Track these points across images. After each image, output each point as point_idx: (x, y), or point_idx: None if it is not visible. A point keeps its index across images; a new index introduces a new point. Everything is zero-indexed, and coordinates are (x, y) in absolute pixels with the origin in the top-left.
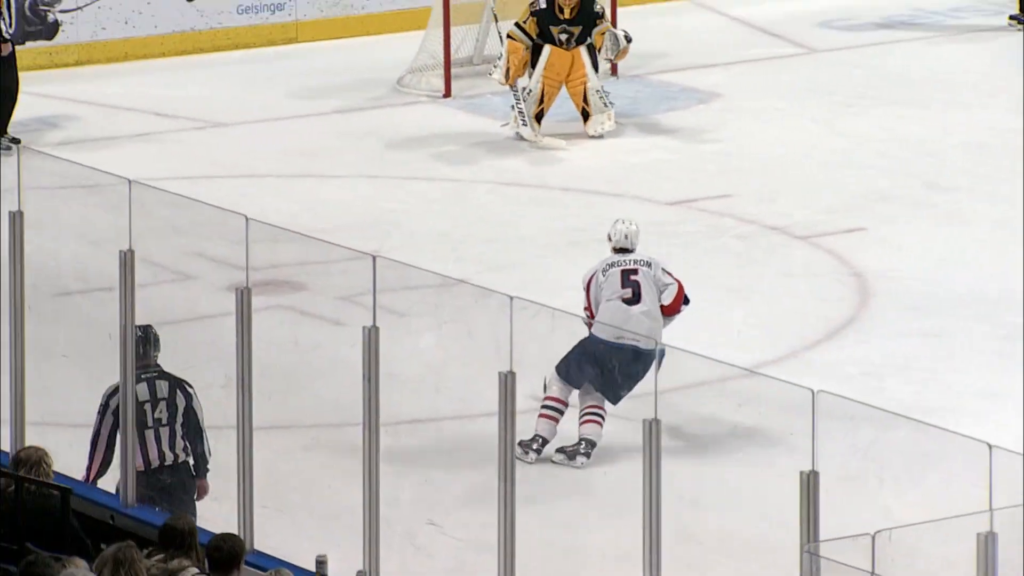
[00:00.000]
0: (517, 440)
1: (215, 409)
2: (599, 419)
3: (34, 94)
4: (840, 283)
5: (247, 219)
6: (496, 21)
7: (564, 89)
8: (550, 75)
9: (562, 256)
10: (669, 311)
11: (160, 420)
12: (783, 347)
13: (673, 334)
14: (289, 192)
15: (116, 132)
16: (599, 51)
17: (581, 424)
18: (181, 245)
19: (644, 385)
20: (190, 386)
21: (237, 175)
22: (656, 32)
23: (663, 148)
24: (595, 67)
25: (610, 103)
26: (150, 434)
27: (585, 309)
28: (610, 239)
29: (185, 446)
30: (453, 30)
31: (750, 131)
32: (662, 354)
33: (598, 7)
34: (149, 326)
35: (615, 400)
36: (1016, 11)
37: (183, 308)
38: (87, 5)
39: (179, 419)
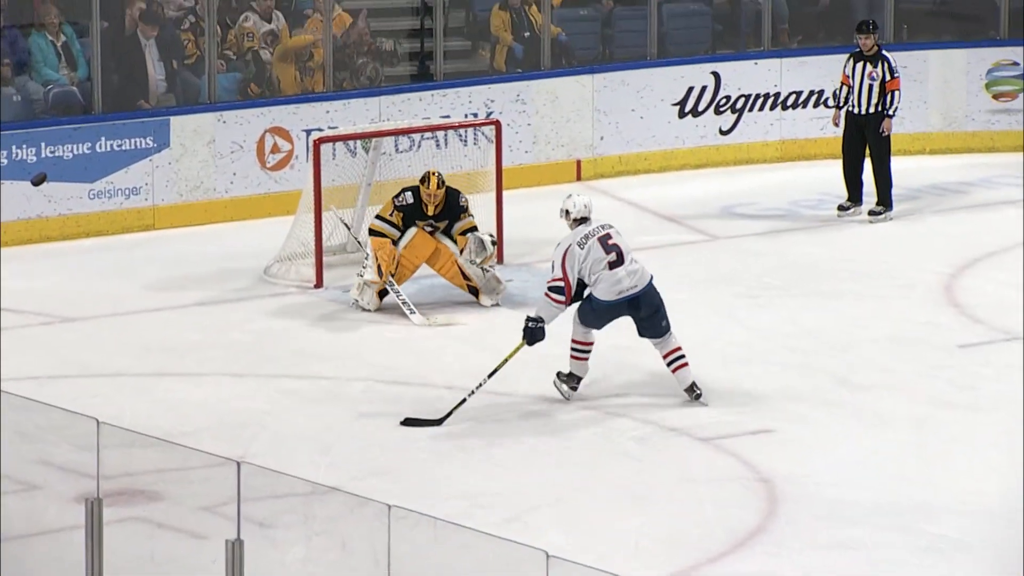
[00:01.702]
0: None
1: None
2: (684, 361)
3: None
4: (746, 489)
5: (99, 422)
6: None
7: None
8: (408, 255)
9: (447, 461)
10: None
11: None
12: (685, 559)
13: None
14: (146, 392)
15: None
16: (461, 252)
17: (674, 372)
18: (25, 452)
19: None
20: None
21: (88, 374)
22: (545, 217)
23: (554, 344)
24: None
25: (492, 242)
26: None
27: (559, 279)
28: (568, 214)
29: None
30: (325, 215)
31: None
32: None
33: (463, 200)
34: None
35: (661, 332)
36: (874, 204)
37: (27, 521)
38: None
39: None
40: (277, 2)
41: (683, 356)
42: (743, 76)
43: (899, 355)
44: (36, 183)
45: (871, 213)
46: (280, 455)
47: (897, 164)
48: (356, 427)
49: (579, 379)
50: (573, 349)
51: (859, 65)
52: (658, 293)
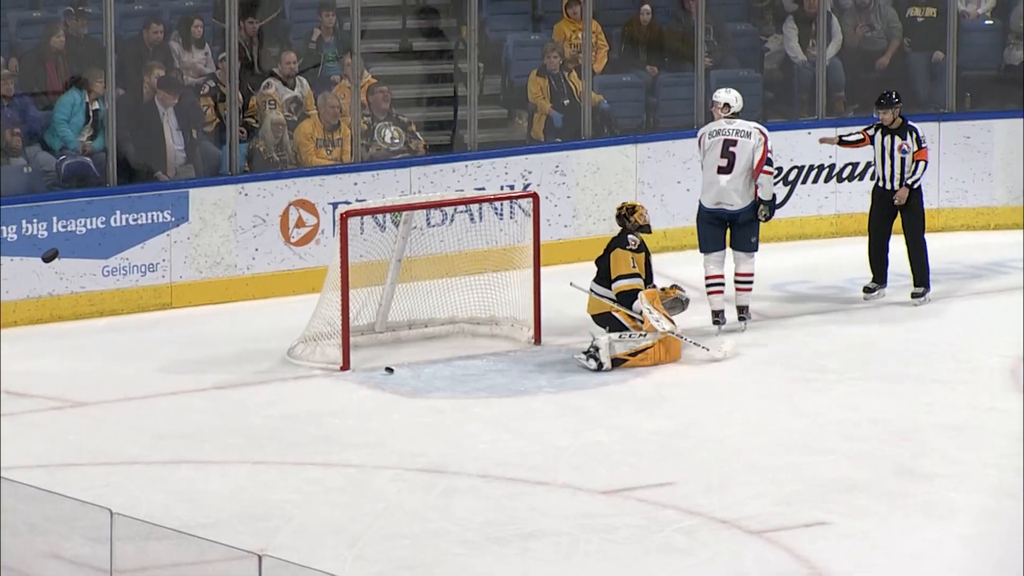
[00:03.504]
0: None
1: None
2: (748, 286)
3: None
4: None
5: (112, 513)
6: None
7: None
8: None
9: (480, 554)
10: (755, 174)
11: None
12: None
13: None
14: (161, 481)
15: None
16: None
17: (737, 292)
18: (35, 544)
19: None
20: None
21: (102, 462)
22: (585, 296)
23: (596, 428)
24: None
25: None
26: None
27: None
28: (728, 107)
29: None
30: (353, 293)
31: (696, 408)
32: (757, 205)
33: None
34: None
35: (751, 247)
36: (869, 282)
37: None
38: None
39: None
40: (301, 67)
41: (751, 283)
42: (796, 146)
43: (964, 443)
44: (47, 259)
45: (914, 295)
46: (304, 548)
47: (960, 240)
48: (384, 518)
49: (722, 313)
50: (709, 285)
51: (887, 139)
52: (753, 216)
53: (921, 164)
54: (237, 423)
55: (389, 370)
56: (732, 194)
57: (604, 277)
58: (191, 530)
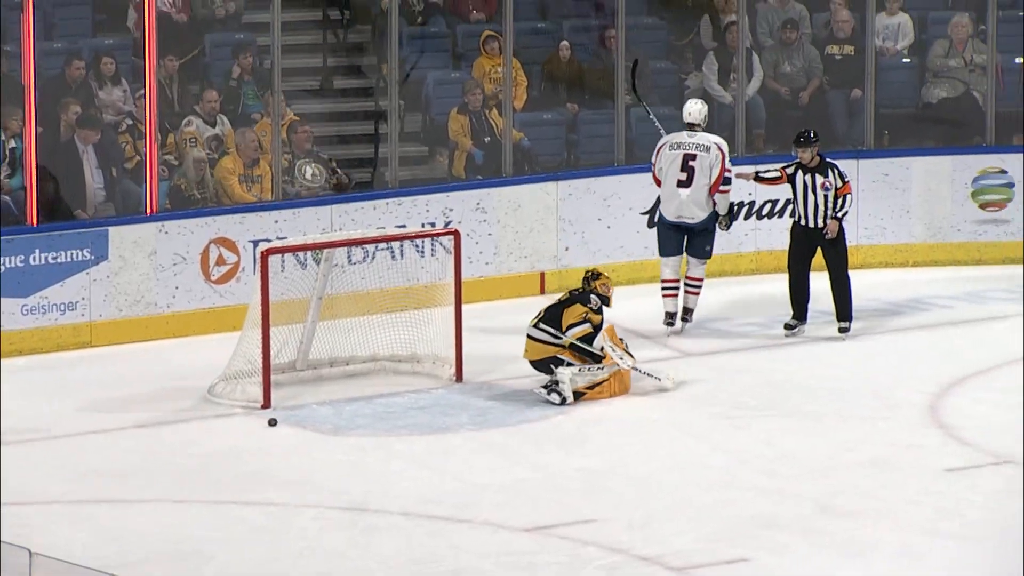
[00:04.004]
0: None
1: None
2: (697, 289)
3: None
4: None
5: (31, 553)
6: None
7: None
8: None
9: None
10: (712, 190)
11: None
12: None
13: None
14: (83, 520)
15: None
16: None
17: (684, 294)
18: None
19: None
20: None
21: (20, 502)
22: (507, 333)
23: (518, 465)
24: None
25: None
26: None
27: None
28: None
29: None
30: (274, 331)
31: (619, 445)
32: (716, 216)
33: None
34: None
35: (705, 255)
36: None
37: None
38: None
39: None
40: (222, 105)
41: (699, 287)
42: None
43: (883, 480)
44: None
45: (841, 330)
46: None
47: (879, 277)
48: (306, 557)
49: (674, 315)
50: (664, 288)
51: (807, 177)
52: (711, 227)
53: (848, 198)
54: (158, 462)
55: (272, 422)
56: (692, 207)
57: (551, 323)
58: (112, 569)
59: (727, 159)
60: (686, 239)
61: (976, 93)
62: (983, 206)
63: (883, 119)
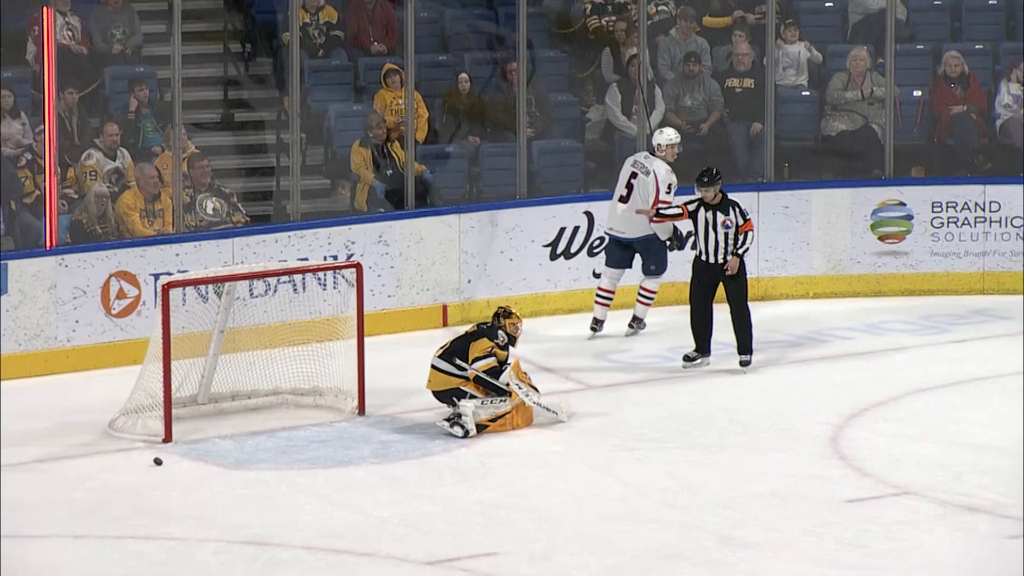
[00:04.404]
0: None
1: None
2: (647, 300)
3: None
4: None
5: None
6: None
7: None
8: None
9: None
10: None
11: None
12: None
13: None
14: None
15: None
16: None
17: (636, 302)
18: None
19: None
20: None
21: None
22: (410, 366)
23: (419, 499)
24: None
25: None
26: None
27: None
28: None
29: None
30: (175, 365)
31: (519, 478)
32: (656, 237)
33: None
34: None
35: (651, 273)
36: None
37: None
38: None
39: None
40: (122, 138)
41: (650, 298)
42: None
43: (784, 511)
44: None
45: (742, 363)
46: None
47: (779, 309)
48: None
49: (601, 322)
50: (598, 296)
51: (708, 214)
52: (654, 245)
53: (749, 235)
54: (58, 496)
55: (158, 461)
56: (622, 222)
57: (456, 354)
58: None
59: (663, 192)
60: (636, 255)
61: (875, 126)
62: (882, 238)
63: (783, 152)
